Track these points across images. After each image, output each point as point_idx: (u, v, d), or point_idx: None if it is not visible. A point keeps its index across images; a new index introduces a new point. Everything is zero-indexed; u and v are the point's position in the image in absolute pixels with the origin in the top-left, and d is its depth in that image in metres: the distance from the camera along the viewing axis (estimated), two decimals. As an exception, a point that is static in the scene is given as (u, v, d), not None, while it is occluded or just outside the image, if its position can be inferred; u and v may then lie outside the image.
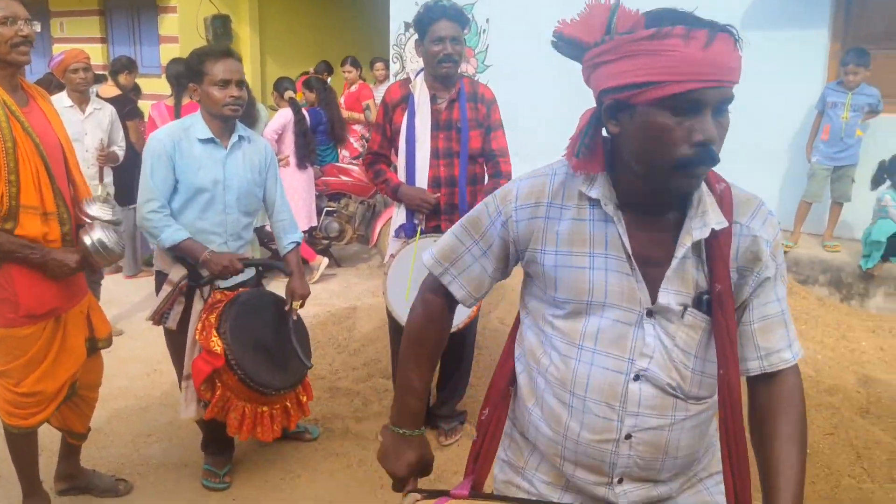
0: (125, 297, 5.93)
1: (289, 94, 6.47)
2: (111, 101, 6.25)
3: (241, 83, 2.96)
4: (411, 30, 8.51)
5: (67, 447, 3.12)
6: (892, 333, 4.99)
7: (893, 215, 5.22)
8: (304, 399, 3.34)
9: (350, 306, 5.64)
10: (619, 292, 1.35)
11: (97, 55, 11.01)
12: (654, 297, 1.34)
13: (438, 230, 3.40)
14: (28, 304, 2.60)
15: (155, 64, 10.37)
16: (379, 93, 8.40)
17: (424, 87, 3.38)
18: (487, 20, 7.56)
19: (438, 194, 3.37)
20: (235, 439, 3.40)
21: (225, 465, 3.34)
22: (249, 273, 3.27)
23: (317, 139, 6.77)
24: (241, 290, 3.13)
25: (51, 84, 5.92)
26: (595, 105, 1.33)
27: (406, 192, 3.38)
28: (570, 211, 1.39)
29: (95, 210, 2.74)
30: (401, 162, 3.44)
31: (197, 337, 2.95)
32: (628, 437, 1.37)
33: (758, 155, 6.29)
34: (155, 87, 9.40)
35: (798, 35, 6.18)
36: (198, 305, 3.04)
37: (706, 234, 1.31)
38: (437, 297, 1.58)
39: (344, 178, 6.90)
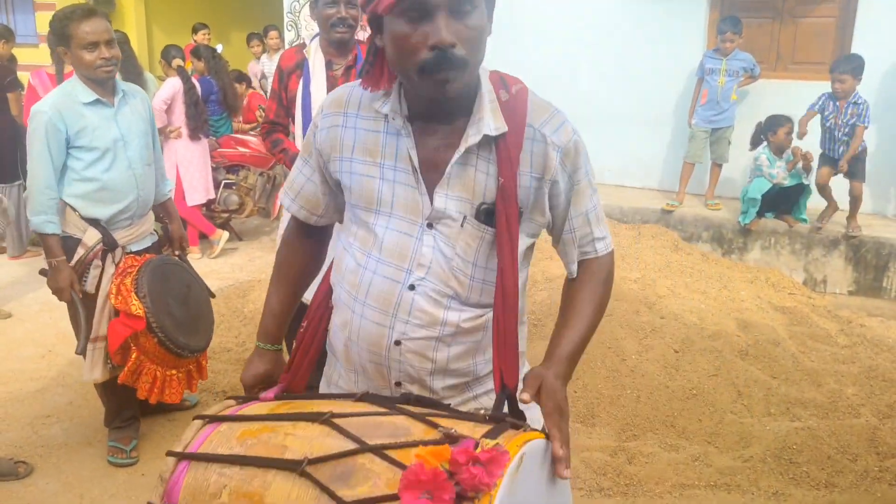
0: (12, 279, 5.66)
1: (177, 62, 6.25)
2: (-13, 71, 5.91)
3: (110, 42, 2.91)
4: (305, -3, 8.36)
5: (-40, 432, 3.00)
6: (768, 283, 5.39)
7: (767, 174, 5.60)
8: (204, 363, 3.36)
9: (254, 279, 5.59)
10: (403, 204, 1.41)
11: (-37, 24, 10.25)
12: (427, 206, 1.39)
13: None
14: None
15: (31, 33, 9.74)
16: (273, 64, 8.22)
17: (319, 52, 3.29)
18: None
19: None
20: (140, 412, 3.39)
21: (131, 440, 3.29)
22: (152, 239, 3.29)
23: (209, 109, 6.59)
24: (146, 256, 3.13)
25: None
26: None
27: None
28: (367, 122, 1.44)
29: None
30: (298, 130, 3.35)
31: (112, 301, 2.93)
32: (398, 342, 1.43)
33: (643, 119, 6.62)
34: (31, 58, 8.85)
35: (679, 4, 6.48)
36: (109, 270, 3.02)
37: (477, 139, 1.35)
38: (292, 222, 1.66)
39: (242, 149, 6.76)
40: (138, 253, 3.14)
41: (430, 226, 1.40)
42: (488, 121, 1.35)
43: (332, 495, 1.16)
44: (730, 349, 4.06)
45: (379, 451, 1.19)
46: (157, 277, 3.00)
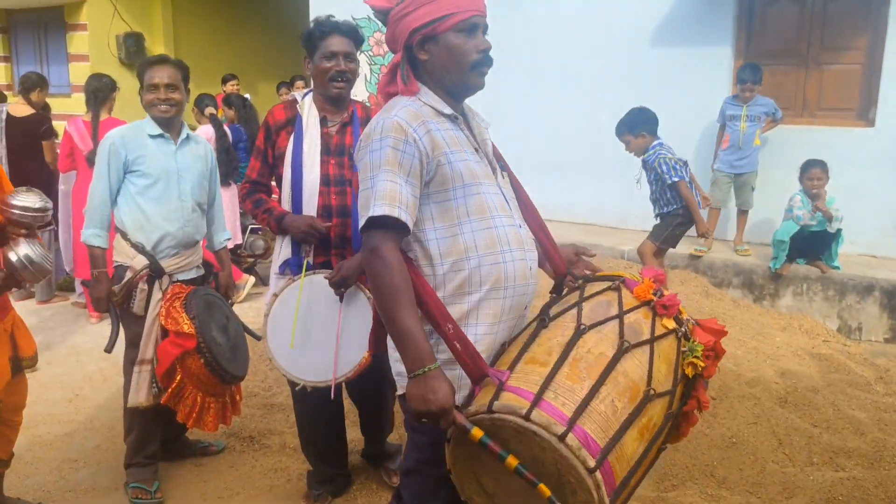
0: (40, 323, 5.67)
1: (209, 110, 6.37)
2: (25, 120, 6.03)
3: (170, 86, 3.20)
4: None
5: (-10, 475, 2.97)
6: (801, 330, 5.29)
7: (796, 216, 5.53)
8: (238, 398, 3.40)
9: (279, 323, 5.56)
10: (485, 174, 1.96)
11: (0, 74, 10.56)
12: (493, 172, 2.00)
13: (328, 266, 3.00)
14: (-49, 323, 2.48)
15: (64, 83, 10.00)
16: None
17: (314, 108, 3.06)
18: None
19: (330, 223, 2.98)
20: (167, 456, 3.42)
21: (153, 480, 3.26)
22: (198, 272, 3.40)
23: (237, 156, 6.68)
24: (192, 286, 3.26)
25: None
26: (403, 51, 1.94)
27: (292, 220, 2.98)
28: (442, 124, 1.92)
29: (21, 199, 2.61)
30: (285, 189, 3.07)
31: (162, 322, 3.07)
32: (531, 268, 1.98)
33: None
34: (64, 107, 9.07)
35: (704, 52, 6.54)
36: (156, 295, 3.17)
37: (489, 124, 2.10)
38: (391, 243, 1.82)
39: (268, 195, 6.82)
40: (184, 283, 3.27)
41: (499, 185, 1.99)
42: (481, 114, 2.11)
43: (647, 342, 1.81)
44: (768, 396, 3.96)
45: (625, 313, 1.86)
46: (203, 304, 3.13)
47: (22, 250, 2.60)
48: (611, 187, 7.05)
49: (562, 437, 1.60)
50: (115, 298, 3.15)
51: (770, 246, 5.87)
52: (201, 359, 3.00)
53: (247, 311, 6.00)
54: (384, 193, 1.79)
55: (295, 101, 3.12)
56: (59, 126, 6.37)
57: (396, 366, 1.95)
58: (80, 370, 4.80)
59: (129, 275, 3.16)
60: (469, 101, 2.08)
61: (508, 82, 7.48)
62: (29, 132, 5.99)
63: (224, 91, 8.51)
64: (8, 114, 6.00)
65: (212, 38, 11.34)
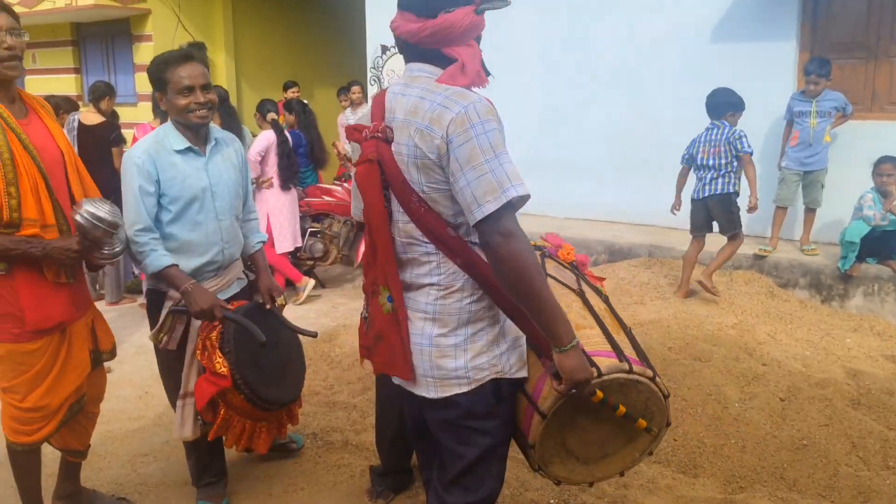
0: (109, 324, 5.83)
1: (271, 115, 6.50)
2: (95, 128, 6.24)
3: (206, 87, 2.82)
4: (389, 51, 8.61)
5: (67, 466, 3.07)
6: (874, 332, 5.10)
7: (866, 216, 5.35)
8: (296, 410, 3.29)
9: (339, 324, 5.64)
10: None
11: (71, 85, 10.96)
12: None
13: None
14: (34, 319, 2.55)
15: (130, 93, 10.33)
16: (356, 117, 8.46)
17: None
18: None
19: None
20: (228, 465, 3.38)
21: (222, 497, 3.20)
22: (240, 285, 3.17)
23: (297, 161, 6.79)
24: (234, 303, 2.99)
25: (58, 109, 5.96)
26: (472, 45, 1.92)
27: None
28: None
29: (93, 207, 2.59)
30: None
31: (198, 357, 2.84)
32: None
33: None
34: (129, 116, 9.37)
35: (768, 47, 6.38)
36: (195, 324, 2.90)
37: None
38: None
39: (327, 198, 6.92)
40: (227, 301, 2.98)
41: None
42: None
43: (599, 293, 2.36)
44: (840, 398, 3.83)
45: (577, 274, 2.45)
46: (237, 334, 2.82)
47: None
48: (673, 188, 6.93)
49: (653, 379, 1.97)
50: (159, 335, 2.90)
51: (838, 245, 5.69)
52: (241, 395, 2.80)
53: (307, 313, 6.09)
54: (515, 174, 1.78)
55: None
56: (126, 134, 6.58)
57: (477, 361, 1.98)
58: (149, 368, 4.92)
59: (168, 303, 2.87)
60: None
61: (566, 81, 7.44)
62: (99, 139, 6.20)
63: (285, 97, 8.68)
64: (79, 122, 6.23)
65: (272, 46, 11.58)
